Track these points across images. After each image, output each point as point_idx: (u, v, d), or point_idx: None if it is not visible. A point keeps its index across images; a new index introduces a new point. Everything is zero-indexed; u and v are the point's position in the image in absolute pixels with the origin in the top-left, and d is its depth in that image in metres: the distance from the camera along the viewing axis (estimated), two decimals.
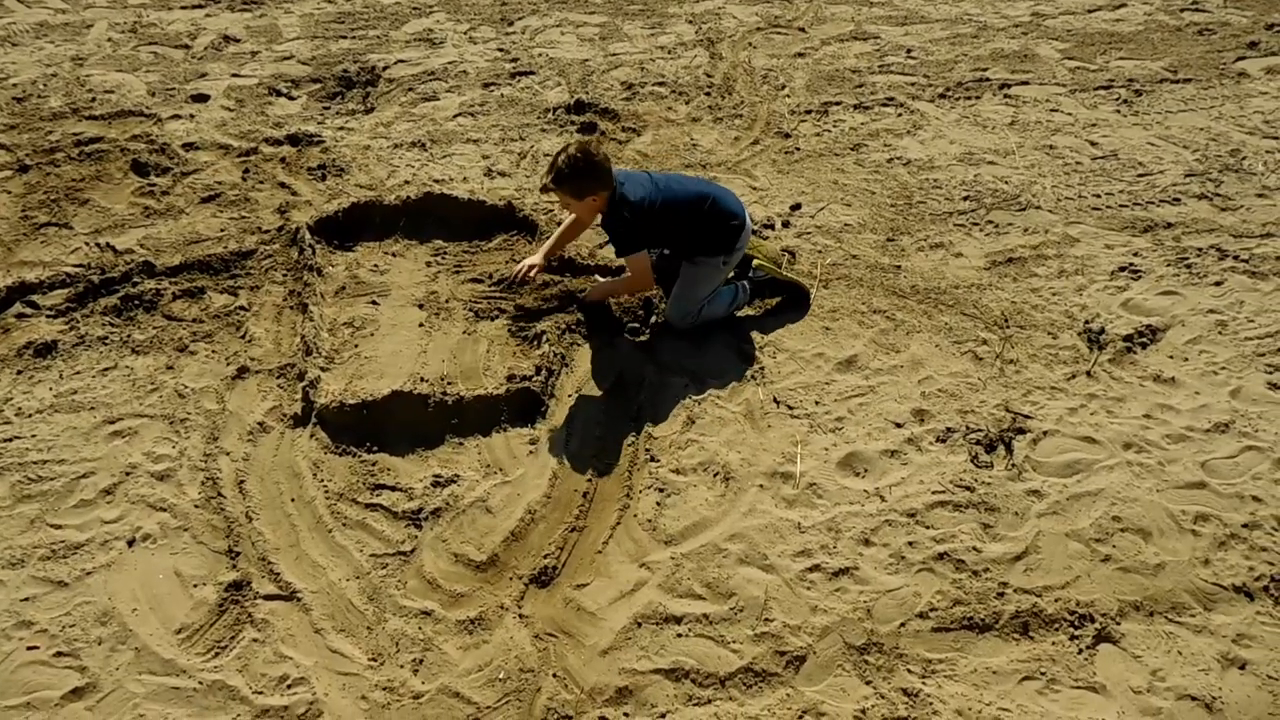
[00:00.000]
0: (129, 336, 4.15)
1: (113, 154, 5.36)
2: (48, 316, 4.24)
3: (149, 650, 2.95)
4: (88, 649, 2.95)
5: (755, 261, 4.36)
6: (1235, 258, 4.69)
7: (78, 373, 3.97)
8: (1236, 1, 7.85)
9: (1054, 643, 3.01)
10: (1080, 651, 2.98)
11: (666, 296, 4.26)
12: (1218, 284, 4.53)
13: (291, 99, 6.17)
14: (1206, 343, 4.18)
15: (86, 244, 4.66)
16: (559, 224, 4.49)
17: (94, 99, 5.99)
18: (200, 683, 2.87)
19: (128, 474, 3.52)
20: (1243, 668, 2.94)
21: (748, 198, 5.14)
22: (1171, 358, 4.10)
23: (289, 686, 2.87)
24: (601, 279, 4.43)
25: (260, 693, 2.85)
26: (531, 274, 4.29)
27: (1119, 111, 6.13)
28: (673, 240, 4.20)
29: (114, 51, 6.76)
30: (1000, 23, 7.49)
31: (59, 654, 2.93)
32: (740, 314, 4.32)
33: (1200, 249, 4.76)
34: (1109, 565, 3.23)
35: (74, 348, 4.08)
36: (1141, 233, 4.91)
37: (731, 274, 4.31)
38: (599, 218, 4.08)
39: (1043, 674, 2.92)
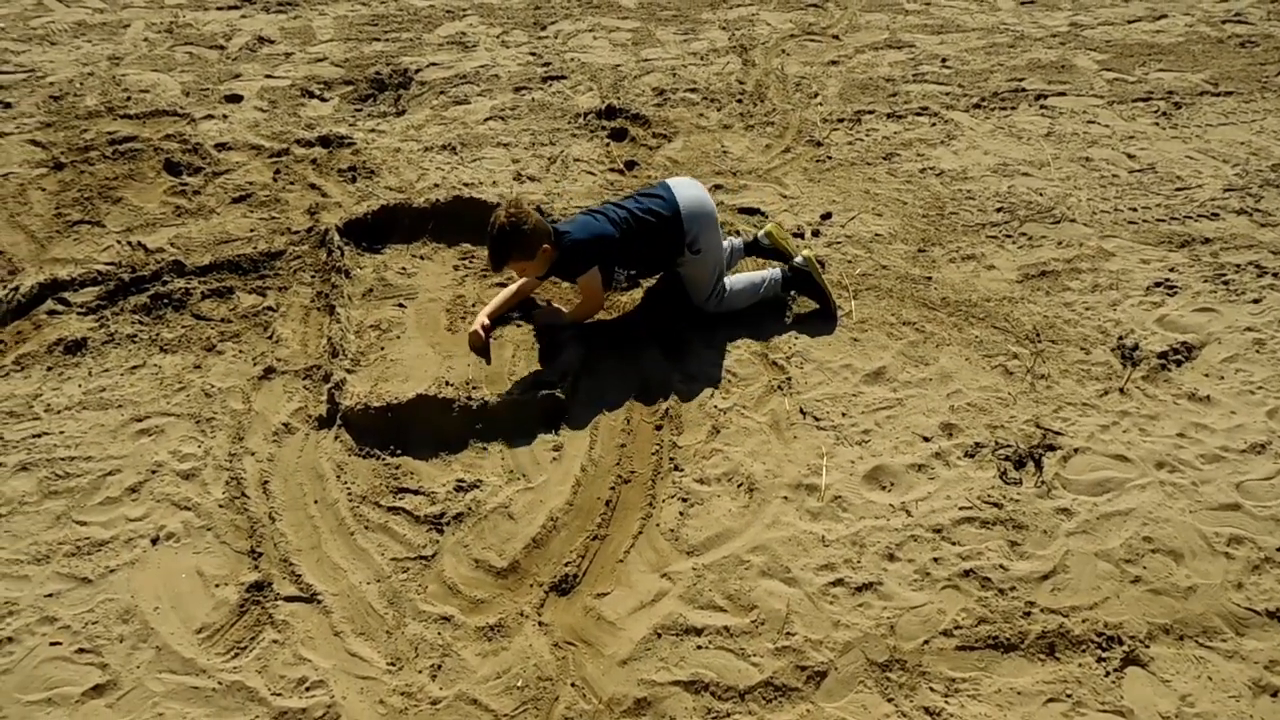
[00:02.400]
0: (158, 335, 4.18)
1: (146, 153, 5.41)
2: (78, 314, 4.28)
3: (169, 649, 2.96)
4: (109, 646, 2.96)
5: (766, 228, 4.52)
6: (1275, 275, 4.60)
7: (106, 370, 4.00)
8: None
9: (1080, 664, 2.96)
10: (1107, 674, 2.93)
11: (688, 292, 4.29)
12: (1256, 301, 4.44)
13: (324, 101, 6.20)
14: (1243, 361, 4.10)
15: (118, 242, 4.70)
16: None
17: (129, 98, 6.05)
18: (219, 683, 2.87)
19: (153, 472, 3.54)
20: (1275, 695, 2.87)
21: (777, 206, 5.10)
22: (1207, 376, 4.03)
23: (307, 689, 2.86)
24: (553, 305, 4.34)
25: (279, 694, 2.85)
26: (485, 336, 4.13)
27: (1157, 124, 6.04)
28: (635, 260, 4.18)
29: (150, 51, 6.83)
30: (1038, 33, 7.41)
31: (81, 650, 2.94)
32: (767, 324, 4.27)
33: (1239, 265, 4.67)
34: (1139, 586, 3.17)
35: (103, 345, 4.12)
36: (1178, 248, 4.83)
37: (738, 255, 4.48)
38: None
39: (1068, 696, 2.87)
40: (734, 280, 4.27)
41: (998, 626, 3.05)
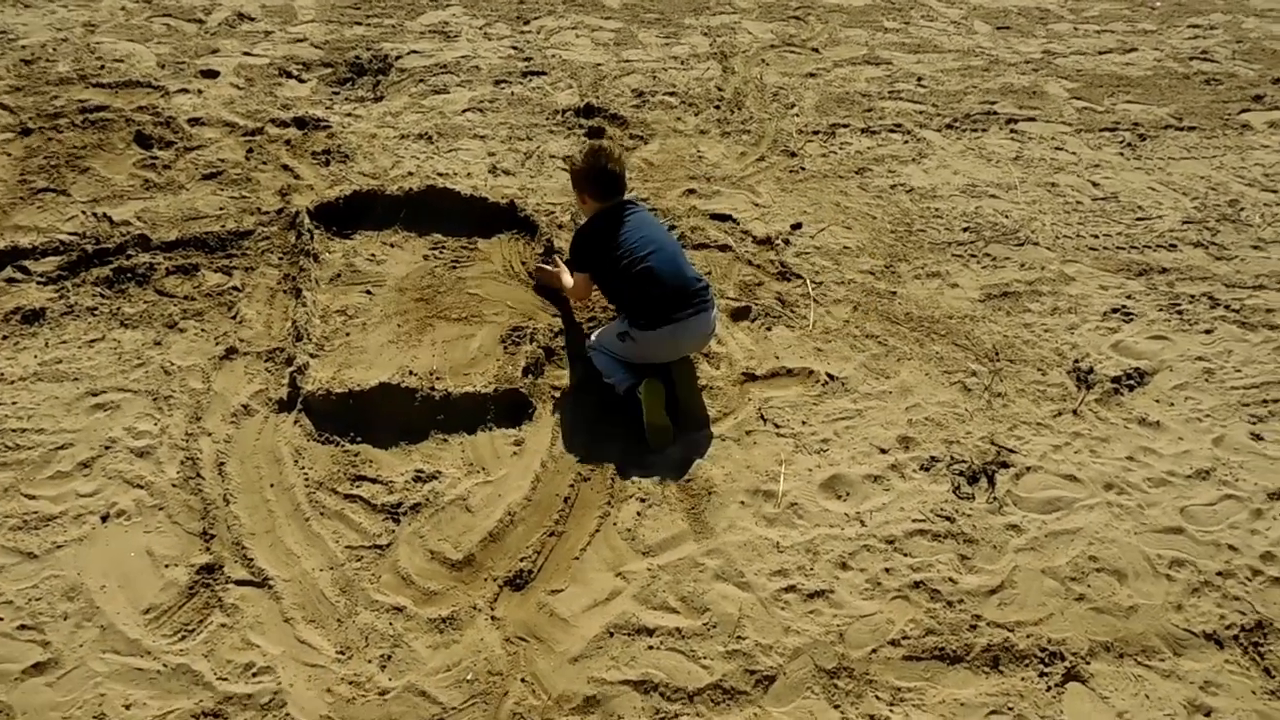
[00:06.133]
0: (119, 309, 4.12)
1: (117, 124, 5.33)
2: (38, 283, 4.21)
3: (114, 629, 2.92)
4: (52, 624, 2.92)
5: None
6: (1227, 307, 4.72)
7: (64, 342, 3.94)
8: (1245, 54, 7.90)
9: (1023, 678, 3.01)
10: (1049, 689, 2.99)
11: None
12: (1208, 332, 4.55)
13: (301, 82, 6.15)
14: (1193, 389, 4.19)
15: (83, 213, 4.63)
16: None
17: (102, 67, 5.96)
18: (164, 665, 2.84)
19: (107, 448, 3.49)
20: (1208, 715, 2.95)
21: (749, 213, 5.14)
22: (1158, 402, 4.12)
23: (254, 675, 2.85)
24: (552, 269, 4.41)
25: (224, 679, 2.83)
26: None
27: (1122, 154, 6.15)
28: (612, 292, 3.98)
29: (127, 20, 6.73)
30: (1012, 58, 7.52)
31: (22, 626, 2.90)
32: (730, 329, 4.30)
33: (1193, 296, 4.78)
34: (1082, 604, 3.24)
35: (62, 316, 4.06)
36: (1136, 276, 4.93)
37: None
38: None
39: (1010, 709, 2.92)
40: (603, 342, 3.97)
41: (945, 638, 3.10)
